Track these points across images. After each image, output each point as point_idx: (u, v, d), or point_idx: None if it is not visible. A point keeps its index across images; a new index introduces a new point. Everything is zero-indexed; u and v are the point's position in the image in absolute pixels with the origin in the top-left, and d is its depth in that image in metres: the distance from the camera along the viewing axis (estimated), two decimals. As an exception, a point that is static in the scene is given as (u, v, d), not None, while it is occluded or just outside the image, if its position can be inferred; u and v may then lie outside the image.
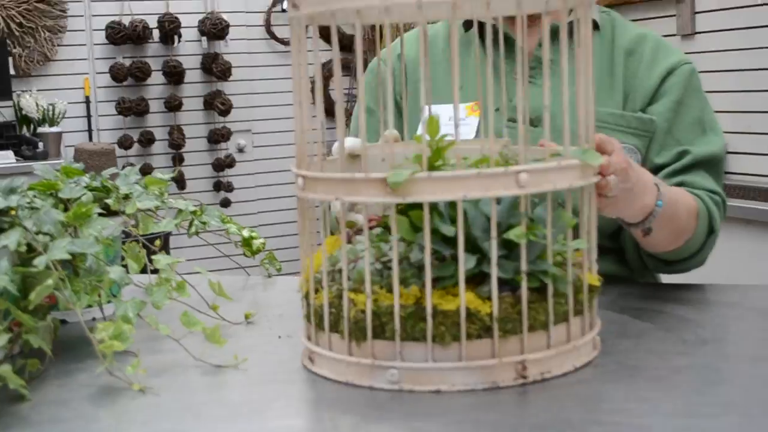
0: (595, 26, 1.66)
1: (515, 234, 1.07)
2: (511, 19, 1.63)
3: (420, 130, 1.63)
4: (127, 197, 1.46)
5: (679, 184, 1.58)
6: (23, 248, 1.23)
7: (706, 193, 1.58)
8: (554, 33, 1.56)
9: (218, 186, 5.99)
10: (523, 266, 1.08)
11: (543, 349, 1.11)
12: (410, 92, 1.69)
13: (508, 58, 1.62)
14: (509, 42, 1.63)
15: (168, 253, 5.29)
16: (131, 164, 5.23)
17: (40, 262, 1.19)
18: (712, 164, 1.62)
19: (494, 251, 1.07)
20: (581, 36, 1.17)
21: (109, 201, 1.44)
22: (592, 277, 1.18)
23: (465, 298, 1.08)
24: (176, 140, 5.80)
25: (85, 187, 1.43)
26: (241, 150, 6.05)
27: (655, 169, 1.61)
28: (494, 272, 1.07)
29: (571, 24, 1.18)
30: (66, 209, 1.38)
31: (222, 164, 5.95)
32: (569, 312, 1.13)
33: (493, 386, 1.08)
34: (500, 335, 1.09)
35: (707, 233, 1.57)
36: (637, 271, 1.67)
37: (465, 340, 1.08)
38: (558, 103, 1.13)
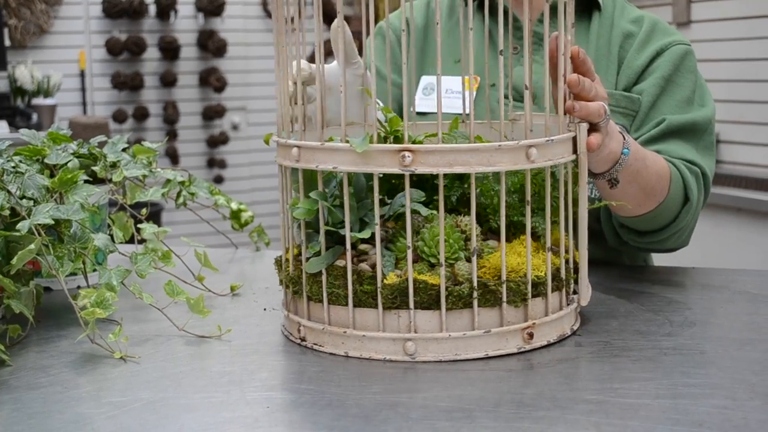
0: (597, 6, 1.63)
1: (289, 205, 1.16)
2: None
3: (418, 100, 1.63)
4: (114, 165, 1.45)
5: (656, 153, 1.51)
6: (6, 212, 1.22)
7: (683, 162, 1.50)
8: (553, 9, 1.54)
9: (212, 163, 5.97)
10: (302, 236, 1.16)
11: (321, 322, 1.17)
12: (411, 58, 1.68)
13: (507, 33, 1.60)
14: (508, 16, 1.61)
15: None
16: (125, 139, 5.22)
17: (23, 226, 1.18)
18: (690, 132, 1.54)
19: (301, 223, 1.17)
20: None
21: (96, 168, 1.42)
22: (392, 275, 1.12)
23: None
24: (170, 116, 5.77)
25: (72, 154, 1.41)
26: (235, 127, 6.02)
27: None
28: (292, 236, 1.19)
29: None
30: (52, 176, 1.36)
31: (216, 141, 5.93)
32: (349, 297, 1.13)
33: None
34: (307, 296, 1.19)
35: (682, 202, 1.48)
36: (617, 250, 1.63)
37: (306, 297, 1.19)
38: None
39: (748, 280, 1.48)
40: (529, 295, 1.13)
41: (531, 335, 1.14)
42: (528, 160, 1.09)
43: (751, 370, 1.05)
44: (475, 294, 1.11)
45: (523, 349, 1.13)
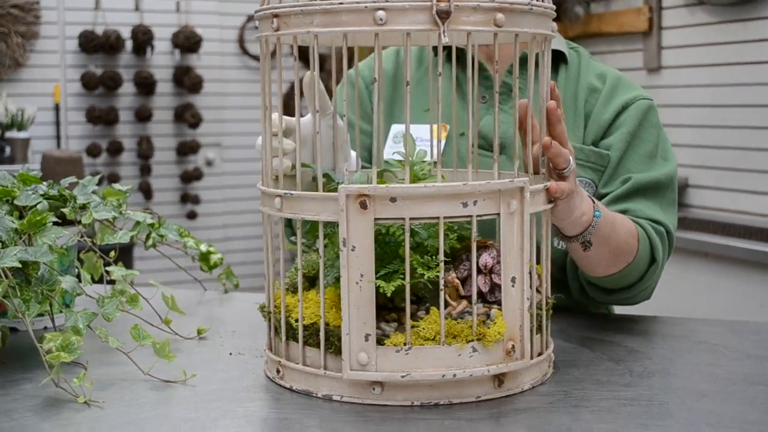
0: (564, 60, 1.66)
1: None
2: (481, 45, 1.64)
3: (388, 148, 1.65)
4: (84, 207, 1.46)
5: (623, 212, 1.55)
6: (-26, 255, 1.22)
7: (649, 222, 1.55)
8: (524, 61, 1.57)
9: (185, 198, 5.97)
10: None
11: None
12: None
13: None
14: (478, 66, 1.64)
15: (130, 265, 5.22)
16: (98, 173, 5.23)
17: (-10, 269, 1.19)
18: (655, 190, 1.58)
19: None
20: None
21: (65, 210, 1.43)
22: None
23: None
24: (145, 151, 5.77)
25: (42, 195, 1.42)
26: (209, 163, 6.03)
27: (599, 198, 1.59)
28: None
29: (536, 55, 1.19)
30: (21, 217, 1.37)
31: (190, 177, 5.93)
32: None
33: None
34: None
35: (649, 262, 1.53)
36: (586, 302, 1.66)
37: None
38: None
39: (710, 330, 1.50)
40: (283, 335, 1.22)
41: (278, 371, 1.23)
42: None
43: (706, 422, 1.07)
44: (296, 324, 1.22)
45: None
